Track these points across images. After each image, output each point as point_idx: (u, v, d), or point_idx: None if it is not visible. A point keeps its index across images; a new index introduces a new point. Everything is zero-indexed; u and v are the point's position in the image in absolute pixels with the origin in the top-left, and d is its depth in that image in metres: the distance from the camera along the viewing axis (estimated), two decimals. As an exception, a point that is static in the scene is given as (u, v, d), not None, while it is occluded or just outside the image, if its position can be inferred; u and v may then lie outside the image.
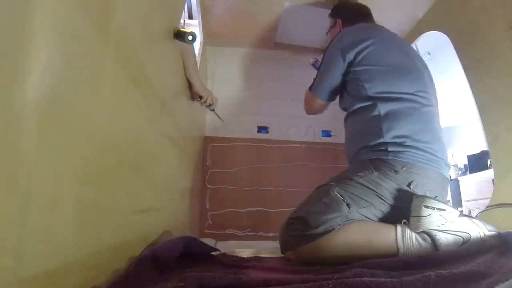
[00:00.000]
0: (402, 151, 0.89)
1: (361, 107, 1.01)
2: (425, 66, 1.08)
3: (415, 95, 0.96)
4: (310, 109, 1.24)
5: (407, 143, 0.89)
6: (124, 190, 0.58)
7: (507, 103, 0.93)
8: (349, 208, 0.84)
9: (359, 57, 1.02)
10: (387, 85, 0.97)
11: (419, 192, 0.85)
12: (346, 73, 1.07)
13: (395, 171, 0.87)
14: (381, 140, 0.92)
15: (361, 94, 1.00)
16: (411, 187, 0.85)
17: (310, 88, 1.18)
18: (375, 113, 0.96)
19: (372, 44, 1.02)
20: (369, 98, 0.98)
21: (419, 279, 0.46)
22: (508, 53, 0.91)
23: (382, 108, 0.95)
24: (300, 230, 0.82)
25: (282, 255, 0.89)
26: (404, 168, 0.87)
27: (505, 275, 0.48)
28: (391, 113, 0.94)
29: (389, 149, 0.90)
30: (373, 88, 0.98)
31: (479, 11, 1.01)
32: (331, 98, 1.16)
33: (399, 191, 0.86)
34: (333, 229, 0.79)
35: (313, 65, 1.55)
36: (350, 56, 1.03)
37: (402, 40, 1.08)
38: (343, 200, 0.84)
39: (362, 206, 0.85)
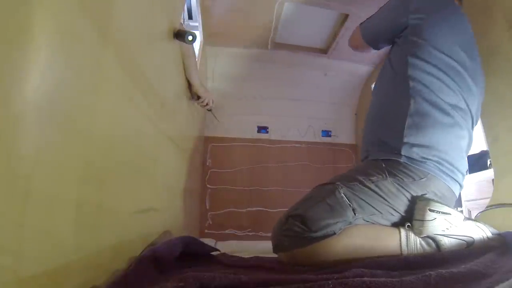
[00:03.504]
0: (420, 161, 0.80)
1: (393, 91, 0.89)
2: (481, 72, 0.92)
3: (456, 109, 0.83)
4: (352, 41, 1.11)
5: (428, 157, 0.80)
6: (124, 190, 0.58)
7: (507, 104, 0.93)
8: (354, 214, 0.76)
9: (421, 27, 0.86)
10: (435, 78, 0.83)
11: None
12: (399, 35, 0.92)
13: (413, 179, 0.79)
14: (399, 143, 0.82)
15: (401, 75, 0.87)
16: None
17: (362, 23, 1.06)
18: (406, 105, 0.84)
19: (439, 20, 0.86)
20: (407, 87, 0.85)
21: (419, 279, 0.46)
22: (508, 53, 0.91)
23: (414, 105, 0.83)
24: (296, 231, 0.75)
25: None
26: (423, 179, 0.79)
27: (505, 275, 0.48)
28: (421, 116, 0.82)
29: (403, 152, 0.81)
30: (418, 76, 0.84)
31: (479, 11, 1.01)
32: (373, 44, 1.02)
33: (412, 201, 0.79)
34: (334, 233, 0.73)
35: None
36: (414, 16, 0.87)
37: (471, 29, 0.91)
38: (349, 205, 0.76)
39: (369, 213, 0.78)
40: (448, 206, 0.76)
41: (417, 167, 0.79)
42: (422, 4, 0.88)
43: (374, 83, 1.05)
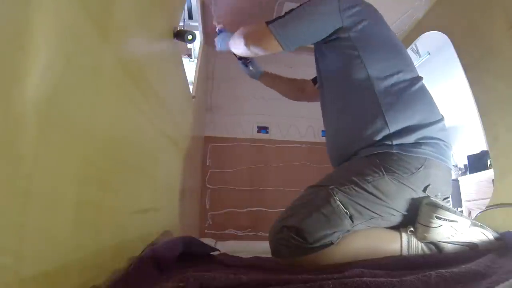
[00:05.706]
0: (417, 143, 0.76)
1: (353, 88, 0.86)
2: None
3: (410, 68, 0.87)
4: (258, 45, 0.91)
5: (422, 134, 0.77)
6: (124, 190, 0.58)
7: (507, 103, 0.93)
8: (352, 221, 0.73)
9: (358, 21, 0.87)
10: (388, 61, 0.86)
11: (430, 195, 0.76)
12: (331, 39, 0.89)
13: (412, 173, 0.74)
14: (386, 133, 0.78)
15: (356, 70, 0.85)
16: (426, 191, 0.75)
17: (268, 22, 0.89)
18: (371, 96, 0.82)
19: (370, 10, 0.92)
20: (367, 77, 0.84)
21: (419, 279, 0.46)
22: (508, 53, 0.91)
23: (380, 88, 0.82)
24: (292, 242, 0.72)
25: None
26: (421, 168, 0.74)
27: (505, 275, 0.48)
28: (392, 94, 0.81)
29: (394, 142, 0.77)
30: (373, 65, 0.84)
31: (479, 11, 1.01)
32: (291, 47, 0.90)
33: (414, 198, 0.75)
34: (332, 243, 0.71)
35: (219, 31, 1.25)
36: (347, 14, 0.86)
37: None
38: (346, 213, 0.73)
39: (367, 218, 0.74)
40: (456, 213, 0.72)
41: (412, 155, 0.75)
42: (349, 2, 0.89)
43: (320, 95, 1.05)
